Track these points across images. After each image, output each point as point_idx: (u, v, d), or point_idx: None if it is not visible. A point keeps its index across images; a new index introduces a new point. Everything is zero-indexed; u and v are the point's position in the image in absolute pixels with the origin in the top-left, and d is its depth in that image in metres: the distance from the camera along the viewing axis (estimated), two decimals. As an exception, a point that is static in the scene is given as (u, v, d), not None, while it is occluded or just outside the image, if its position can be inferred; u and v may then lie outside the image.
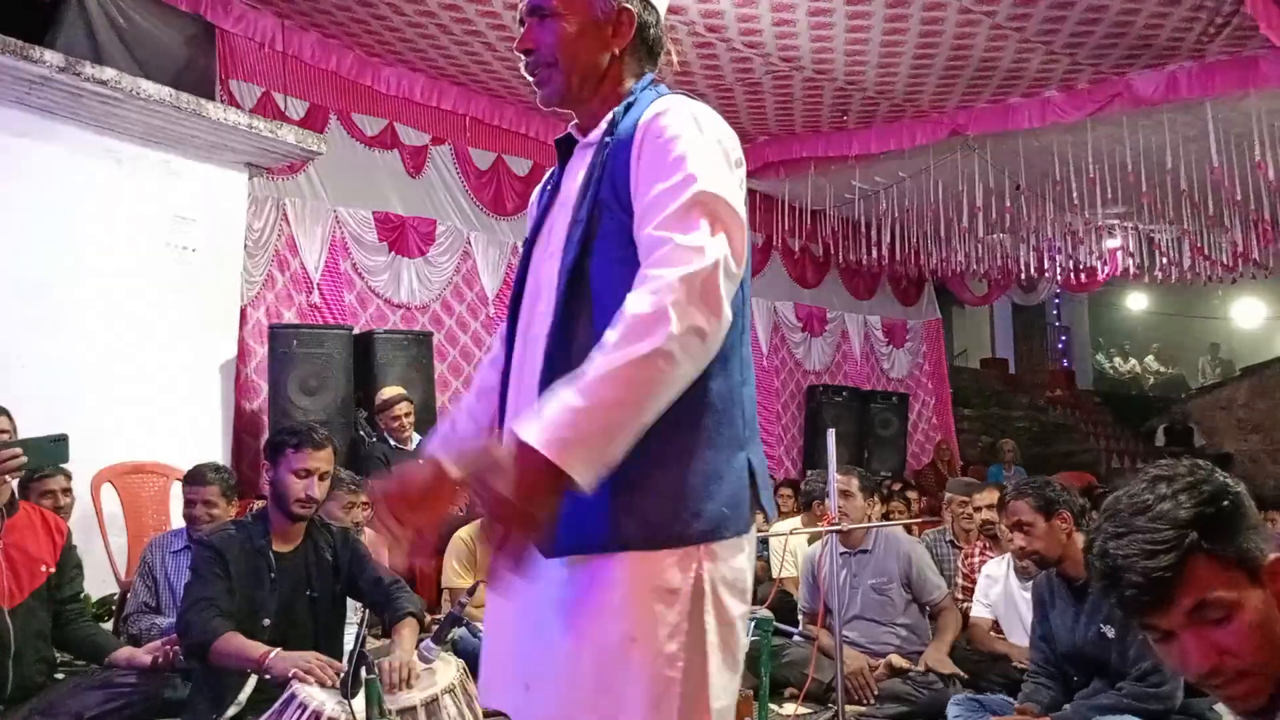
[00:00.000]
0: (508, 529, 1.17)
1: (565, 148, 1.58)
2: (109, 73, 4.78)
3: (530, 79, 1.52)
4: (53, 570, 3.15)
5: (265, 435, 5.91)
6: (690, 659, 1.32)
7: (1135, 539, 1.21)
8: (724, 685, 1.36)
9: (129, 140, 5.17)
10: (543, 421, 1.18)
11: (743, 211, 1.35)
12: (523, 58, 1.51)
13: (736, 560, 1.39)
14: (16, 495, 3.26)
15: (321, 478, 2.88)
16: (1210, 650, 1.20)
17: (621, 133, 1.42)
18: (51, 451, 2.81)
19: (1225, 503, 1.21)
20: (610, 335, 1.23)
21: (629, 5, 1.49)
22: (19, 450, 2.71)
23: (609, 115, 1.47)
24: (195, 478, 3.84)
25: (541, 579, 1.29)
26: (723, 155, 1.37)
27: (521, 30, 1.52)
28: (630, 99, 1.47)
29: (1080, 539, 3.15)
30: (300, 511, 2.87)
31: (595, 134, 1.49)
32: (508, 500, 1.16)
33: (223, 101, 5.74)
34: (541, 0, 1.47)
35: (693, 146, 1.34)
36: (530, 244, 1.55)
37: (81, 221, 4.99)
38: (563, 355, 1.35)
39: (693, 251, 1.26)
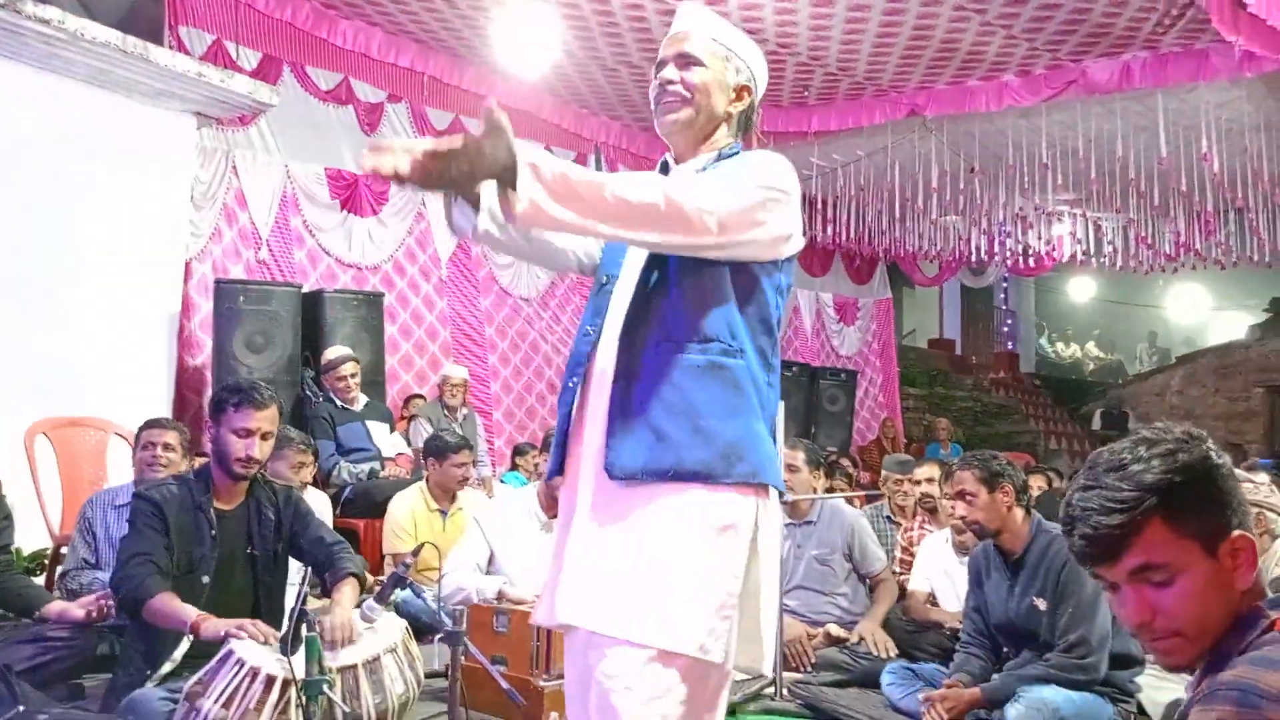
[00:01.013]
0: (446, 161, 1.41)
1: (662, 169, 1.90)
2: (52, 11, 4.59)
3: (657, 104, 1.81)
4: None
5: (209, 392, 5.80)
6: (748, 578, 1.64)
7: (1099, 494, 1.26)
8: (767, 619, 1.70)
9: (72, 82, 4.99)
10: (543, 156, 1.46)
11: (776, 229, 1.69)
12: (659, 86, 1.80)
13: (778, 513, 1.75)
14: None
15: (264, 437, 2.84)
16: (1145, 607, 1.25)
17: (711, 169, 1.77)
18: None
19: (1198, 474, 1.25)
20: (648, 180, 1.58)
21: (750, 84, 1.84)
22: None
23: (707, 156, 1.81)
24: (154, 422, 3.77)
25: (610, 510, 1.66)
26: (779, 192, 1.69)
27: (664, 70, 1.81)
28: (728, 151, 1.81)
29: (1019, 513, 3.24)
30: (241, 471, 2.83)
31: (691, 166, 1.81)
32: (471, 143, 1.40)
33: (171, 47, 5.56)
34: (695, 53, 1.78)
35: (758, 173, 1.69)
36: (610, 283, 1.82)
37: (17, 163, 4.81)
38: (643, 319, 1.69)
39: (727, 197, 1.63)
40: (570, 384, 1.78)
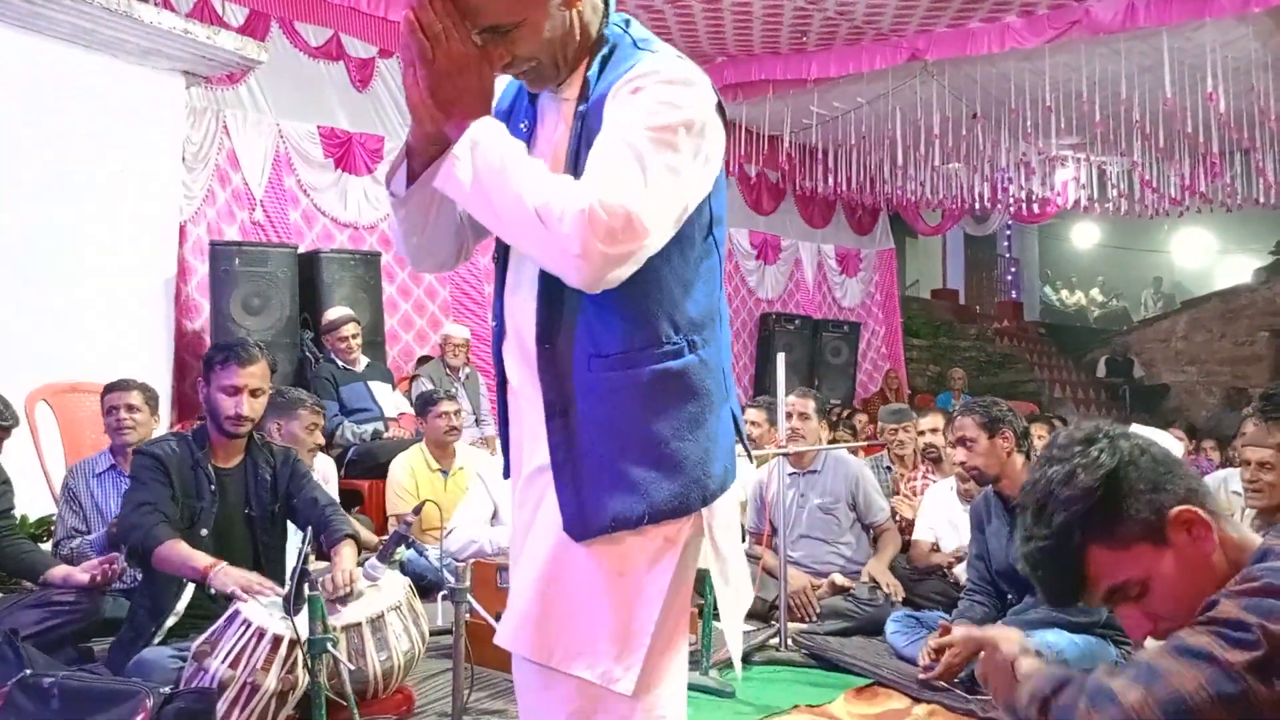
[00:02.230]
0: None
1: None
2: (31, -31, 4.50)
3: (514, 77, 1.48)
4: None
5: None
6: (675, 586, 1.41)
7: (1035, 545, 1.27)
8: (728, 594, 1.52)
9: (56, 42, 4.90)
10: (490, 139, 1.30)
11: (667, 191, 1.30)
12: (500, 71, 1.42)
13: (728, 504, 1.49)
14: None
15: (253, 394, 2.83)
16: (1142, 621, 1.26)
17: (602, 97, 1.38)
18: None
19: (1108, 485, 1.23)
20: (561, 182, 1.29)
21: None
22: None
23: (581, 71, 1.43)
24: (115, 384, 3.76)
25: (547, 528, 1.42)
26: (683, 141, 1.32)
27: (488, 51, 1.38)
28: (604, 49, 1.42)
29: (1019, 460, 3.24)
30: (232, 429, 2.82)
31: (570, 91, 1.45)
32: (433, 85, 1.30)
33: (156, 5, 5.45)
34: (497, 21, 1.34)
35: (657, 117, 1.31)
36: None
37: (5, 128, 4.74)
38: (552, 329, 1.40)
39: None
40: (499, 381, 1.56)
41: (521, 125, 1.52)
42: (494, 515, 4.03)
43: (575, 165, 1.38)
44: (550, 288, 1.38)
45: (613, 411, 1.38)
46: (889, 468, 5.22)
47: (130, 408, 3.66)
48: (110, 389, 3.77)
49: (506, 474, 1.62)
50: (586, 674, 1.38)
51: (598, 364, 1.38)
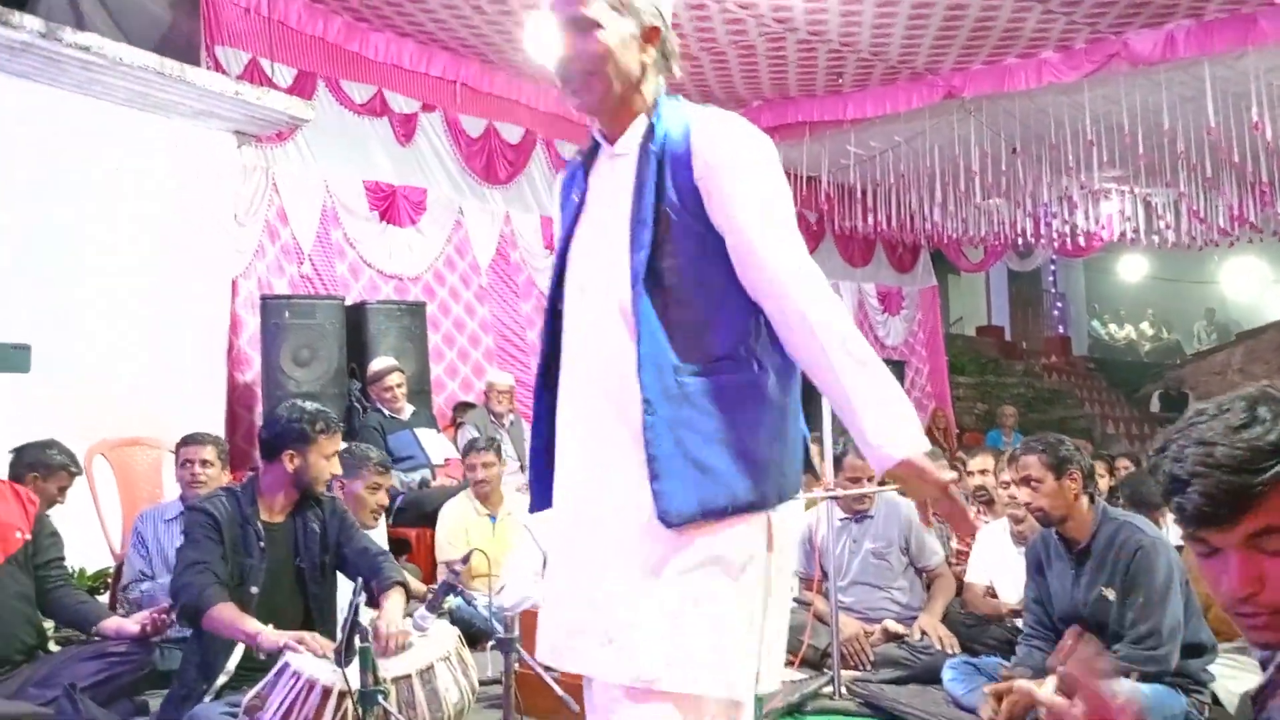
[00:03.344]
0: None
1: (590, 156, 1.75)
2: (91, 38, 4.68)
3: (565, 86, 1.66)
4: (28, 537, 3.14)
5: (259, 407, 5.87)
6: (753, 599, 1.58)
7: (1222, 450, 1.16)
8: (778, 623, 1.66)
9: (113, 107, 5.08)
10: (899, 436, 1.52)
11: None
12: (559, 64, 1.64)
13: (794, 517, 1.70)
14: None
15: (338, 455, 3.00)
16: (1254, 577, 1.17)
17: (671, 141, 1.61)
18: (12, 359, 2.78)
19: None
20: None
21: (657, 20, 1.64)
22: None
23: (639, 123, 1.65)
24: (190, 439, 3.85)
25: (619, 541, 1.56)
26: (777, 180, 1.66)
27: (559, 42, 1.63)
28: (659, 109, 1.66)
29: (1085, 501, 3.12)
30: (324, 491, 2.96)
31: (627, 143, 1.66)
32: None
33: (208, 68, 5.64)
34: (590, 13, 1.58)
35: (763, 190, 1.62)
36: (566, 248, 1.72)
37: (65, 191, 4.91)
38: (651, 339, 1.56)
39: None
40: (543, 414, 1.71)
41: (574, 197, 1.73)
42: (545, 565, 4.01)
43: (639, 198, 1.60)
44: (645, 310, 1.57)
45: (696, 413, 1.55)
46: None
47: (204, 462, 3.74)
48: (185, 442, 3.86)
49: (533, 509, 1.75)
50: (691, 689, 1.49)
51: (683, 371, 1.56)
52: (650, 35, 1.64)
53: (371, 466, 3.97)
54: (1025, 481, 3.11)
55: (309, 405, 3.01)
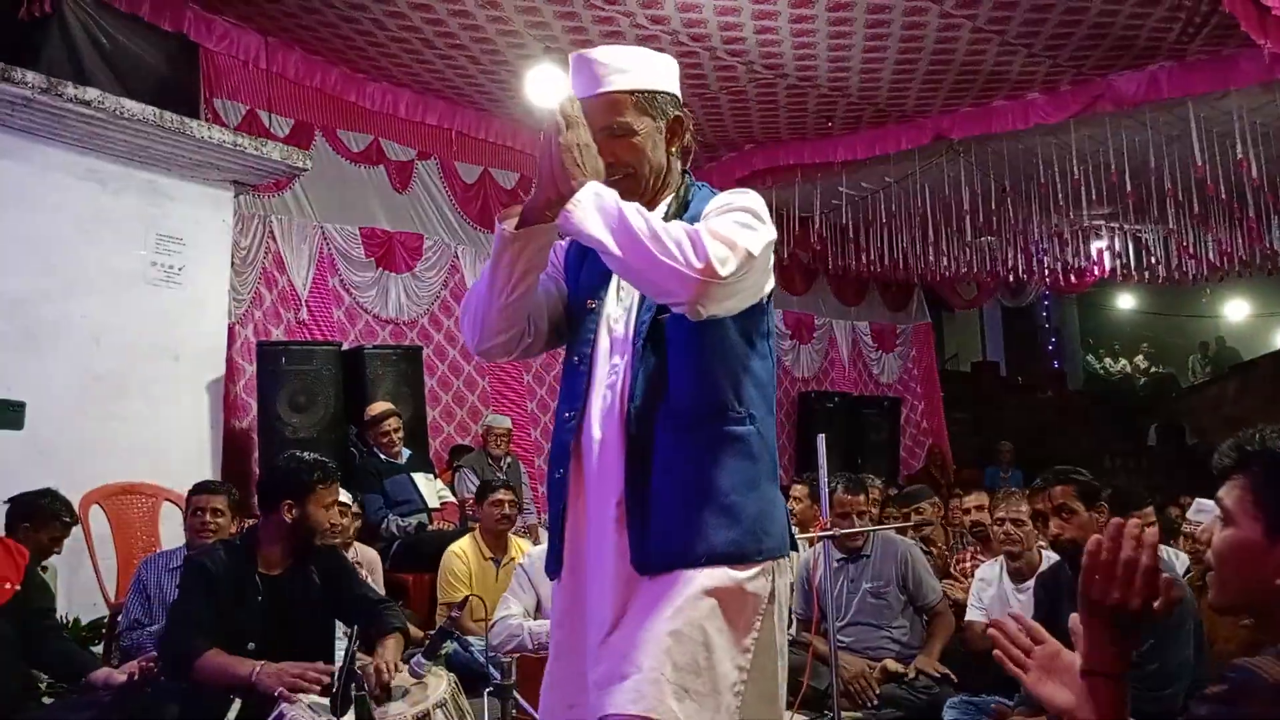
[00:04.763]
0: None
1: None
2: (92, 93, 4.76)
3: (609, 183, 1.71)
4: (17, 588, 3.13)
5: (256, 454, 5.87)
6: (760, 654, 1.61)
7: None
8: (782, 680, 1.68)
9: (113, 160, 5.16)
10: (608, 191, 1.56)
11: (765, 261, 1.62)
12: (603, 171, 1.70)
13: (788, 578, 1.71)
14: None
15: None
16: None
17: (689, 214, 1.72)
18: (6, 417, 2.80)
19: None
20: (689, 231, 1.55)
21: (677, 112, 1.79)
22: None
23: (669, 199, 1.78)
24: (203, 487, 3.84)
25: (621, 597, 1.60)
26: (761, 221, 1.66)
27: (599, 144, 1.70)
28: (685, 188, 1.80)
29: None
30: (330, 539, 2.96)
31: (657, 212, 1.73)
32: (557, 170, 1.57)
33: (207, 120, 5.73)
34: (624, 121, 1.72)
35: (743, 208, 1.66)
36: (597, 308, 1.77)
37: (64, 243, 4.96)
38: (646, 397, 1.63)
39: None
40: (558, 476, 1.72)
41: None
42: (537, 607, 4.00)
43: None
44: (645, 358, 1.65)
45: (681, 462, 1.61)
46: (924, 547, 5.10)
47: (215, 511, 3.73)
48: (198, 490, 3.85)
49: (553, 574, 1.74)
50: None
51: (674, 423, 1.63)
52: (674, 128, 1.78)
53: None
54: (1057, 511, 3.07)
55: (307, 455, 3.02)
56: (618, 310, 1.74)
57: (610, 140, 1.71)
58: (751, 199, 1.67)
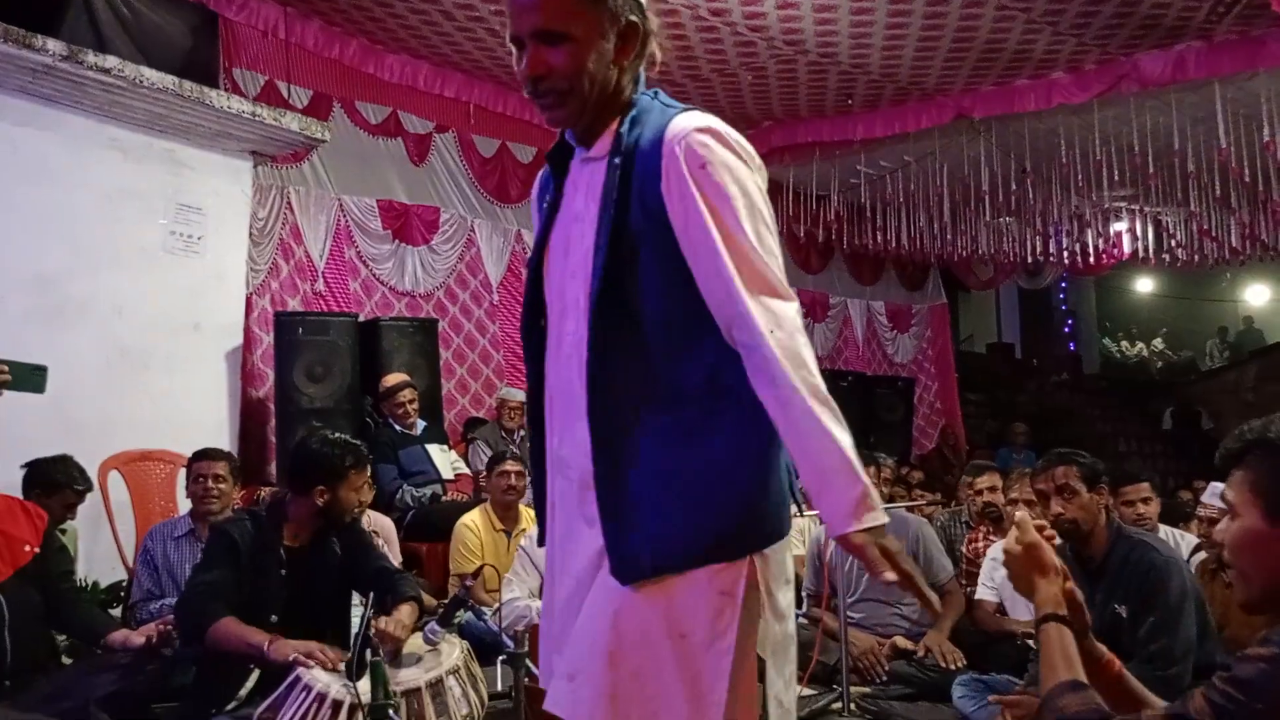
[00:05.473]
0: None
1: (560, 156, 1.59)
2: (112, 61, 4.77)
3: (538, 103, 1.48)
4: (37, 550, 3.18)
5: (272, 422, 5.93)
6: (740, 655, 1.41)
7: None
8: (774, 678, 1.50)
9: (133, 129, 5.18)
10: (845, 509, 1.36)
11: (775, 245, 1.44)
12: (527, 82, 1.46)
13: (781, 554, 1.50)
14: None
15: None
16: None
17: (640, 151, 1.43)
18: (30, 380, 2.84)
19: None
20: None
21: (633, 17, 1.46)
22: (3, 366, 2.74)
23: (612, 129, 1.48)
24: (202, 454, 3.89)
25: (597, 579, 1.43)
26: (758, 200, 1.44)
27: (525, 57, 1.45)
28: (633, 111, 1.48)
29: (1103, 518, 3.10)
30: (354, 519, 3.03)
31: (599, 149, 1.50)
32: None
33: (226, 90, 5.73)
34: (551, 24, 1.40)
35: (735, 214, 1.40)
36: (538, 259, 1.56)
37: (86, 211, 5.00)
38: (605, 378, 1.42)
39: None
40: (536, 440, 1.59)
41: (547, 199, 1.59)
42: (542, 586, 4.03)
43: (610, 210, 1.44)
44: (599, 341, 1.43)
45: (655, 453, 1.41)
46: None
47: (217, 477, 3.79)
48: (199, 457, 3.90)
49: (541, 541, 1.65)
50: None
51: (643, 410, 1.42)
52: (628, 35, 1.46)
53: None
54: (1060, 491, 3.06)
55: (338, 438, 3.02)
56: (568, 272, 1.51)
57: (541, 48, 1.42)
58: (731, 175, 1.41)
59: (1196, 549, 3.95)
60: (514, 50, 1.47)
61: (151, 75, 4.91)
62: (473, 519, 4.76)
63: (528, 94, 1.48)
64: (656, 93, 1.53)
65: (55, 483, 3.86)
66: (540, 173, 1.68)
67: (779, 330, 1.35)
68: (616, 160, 1.45)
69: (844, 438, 1.35)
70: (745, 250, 1.38)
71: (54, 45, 4.55)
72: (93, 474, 4.50)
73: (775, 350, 1.34)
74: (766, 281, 1.37)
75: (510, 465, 4.74)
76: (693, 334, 1.42)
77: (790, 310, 1.38)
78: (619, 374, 1.42)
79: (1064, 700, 1.29)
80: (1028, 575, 1.42)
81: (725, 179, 1.40)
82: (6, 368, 2.73)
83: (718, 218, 1.39)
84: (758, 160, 1.47)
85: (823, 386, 1.36)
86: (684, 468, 1.41)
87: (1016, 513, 1.71)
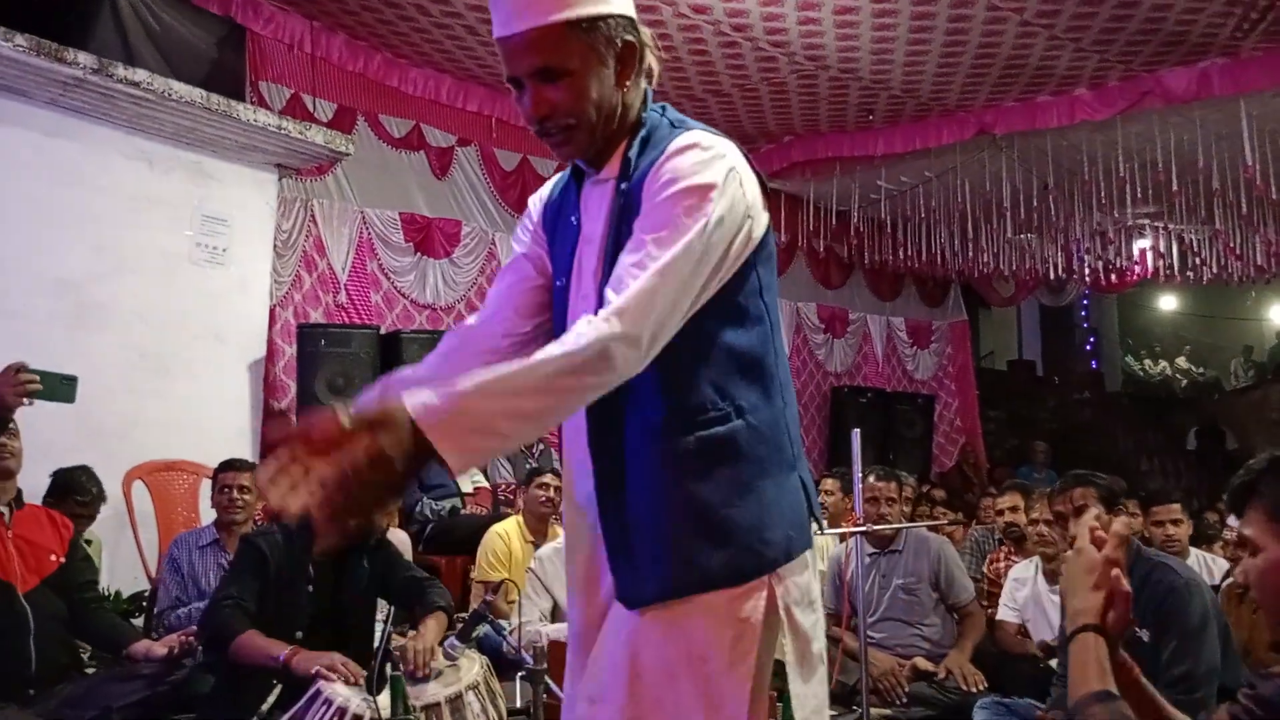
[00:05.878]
0: (346, 494, 1.18)
1: (576, 176, 1.56)
2: (141, 74, 4.84)
3: (547, 141, 1.45)
4: (62, 560, 3.21)
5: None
6: (759, 680, 1.40)
7: None
8: (807, 693, 1.47)
9: (160, 141, 5.24)
10: (437, 398, 1.19)
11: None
12: (532, 125, 1.44)
13: (803, 576, 1.46)
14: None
15: None
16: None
17: (638, 177, 1.42)
18: (61, 390, 2.86)
19: None
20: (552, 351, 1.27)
21: (629, 37, 1.42)
22: (35, 376, 2.75)
23: (620, 151, 1.46)
24: (228, 464, 3.92)
25: (615, 605, 1.42)
26: (710, 227, 1.35)
27: (525, 97, 1.41)
28: (642, 131, 1.46)
29: None
30: (381, 534, 3.05)
31: (608, 171, 1.48)
32: (361, 471, 1.16)
33: (252, 103, 5.79)
34: (549, 62, 1.37)
35: (685, 223, 1.33)
36: (564, 285, 1.53)
37: (112, 222, 5.05)
38: (605, 406, 1.37)
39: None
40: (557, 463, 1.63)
41: (573, 219, 1.55)
42: (554, 610, 4.01)
43: (615, 240, 1.42)
44: None
45: (660, 480, 1.39)
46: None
47: (242, 488, 3.81)
48: (225, 468, 3.93)
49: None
50: None
51: (645, 435, 1.41)
52: (625, 57, 1.41)
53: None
54: (1078, 513, 3.04)
55: None
56: (580, 295, 1.49)
57: (541, 87, 1.38)
58: (701, 174, 1.35)
59: (1227, 574, 3.90)
60: (514, 91, 1.44)
61: (179, 88, 4.97)
62: (505, 528, 4.75)
63: (535, 133, 1.45)
64: (665, 108, 1.51)
65: (65, 493, 3.90)
66: (539, 192, 1.66)
67: (604, 355, 1.26)
68: (624, 186, 1.44)
69: (512, 404, 1.23)
70: (669, 273, 1.31)
71: (84, 58, 4.61)
72: (114, 480, 4.54)
73: (586, 354, 1.25)
74: (647, 318, 1.29)
75: (549, 479, 4.73)
76: (693, 361, 1.40)
77: (620, 358, 1.27)
78: (619, 401, 1.38)
79: (1092, 710, 1.27)
80: (1085, 580, 1.37)
81: (680, 186, 1.36)
82: (37, 377, 2.75)
83: (648, 217, 1.35)
84: (747, 176, 1.42)
85: (563, 391, 1.27)
86: (687, 493, 1.39)
87: (1094, 512, 1.63)
